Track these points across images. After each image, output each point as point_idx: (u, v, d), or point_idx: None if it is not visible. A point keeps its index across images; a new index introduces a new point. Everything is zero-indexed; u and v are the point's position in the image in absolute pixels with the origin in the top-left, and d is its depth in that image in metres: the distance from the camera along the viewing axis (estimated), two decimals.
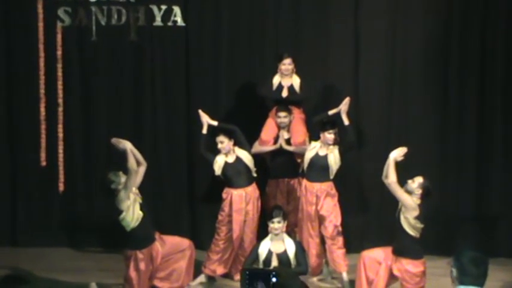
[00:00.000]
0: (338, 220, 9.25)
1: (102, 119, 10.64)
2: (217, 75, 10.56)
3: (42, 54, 10.48)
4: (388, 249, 8.18)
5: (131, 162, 8.17)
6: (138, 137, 10.41)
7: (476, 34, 10.22)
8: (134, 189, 8.31)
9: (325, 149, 9.21)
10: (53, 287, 9.06)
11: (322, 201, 9.21)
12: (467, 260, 4.57)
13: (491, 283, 4.73)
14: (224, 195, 9.27)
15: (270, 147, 9.82)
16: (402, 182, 7.99)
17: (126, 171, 8.19)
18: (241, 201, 9.19)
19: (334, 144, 9.20)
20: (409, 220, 7.93)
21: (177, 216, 10.61)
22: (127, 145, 8.32)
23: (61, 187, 10.62)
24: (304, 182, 9.35)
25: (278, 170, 9.86)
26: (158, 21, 10.45)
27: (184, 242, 8.72)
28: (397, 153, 8.00)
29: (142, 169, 8.48)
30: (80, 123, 10.67)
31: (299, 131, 9.80)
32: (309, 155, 9.27)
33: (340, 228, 9.27)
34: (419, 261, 8.07)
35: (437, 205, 9.77)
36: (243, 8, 10.51)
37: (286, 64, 9.76)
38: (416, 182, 7.97)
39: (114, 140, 8.42)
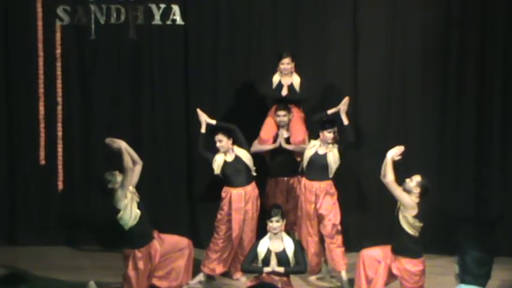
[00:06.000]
0: (337, 219, 9.25)
1: (101, 117, 10.63)
2: (216, 74, 10.56)
3: (41, 53, 10.49)
4: (387, 248, 8.18)
5: (126, 161, 8.17)
6: (137, 136, 10.45)
7: (476, 33, 10.21)
8: (131, 188, 8.31)
9: (325, 148, 9.21)
10: (51, 286, 9.04)
11: (321, 199, 9.21)
12: (471, 259, 4.56)
13: (490, 281, 4.73)
14: (223, 194, 9.27)
15: (269, 146, 9.82)
16: (401, 181, 7.99)
17: (122, 170, 8.19)
18: (241, 200, 9.19)
19: (333, 143, 9.20)
20: (408, 219, 7.92)
21: (176, 215, 10.61)
22: (121, 144, 8.31)
23: (60, 186, 10.64)
24: (304, 180, 9.35)
25: (277, 169, 9.86)
26: (157, 20, 10.46)
27: (183, 241, 8.72)
28: (394, 152, 7.99)
29: (138, 168, 8.46)
30: (79, 121, 10.68)
31: (298, 130, 9.80)
32: (308, 154, 9.27)
33: (339, 227, 9.27)
34: (418, 260, 8.06)
35: (436, 204, 9.79)
36: (241, 6, 10.51)
37: (285, 63, 9.76)
38: (414, 181, 7.97)
39: (108, 140, 8.41)
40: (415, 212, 7.91)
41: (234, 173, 9.21)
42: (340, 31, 10.41)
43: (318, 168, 9.22)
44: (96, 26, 10.45)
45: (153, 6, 10.44)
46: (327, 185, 9.24)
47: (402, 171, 8.17)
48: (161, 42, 10.55)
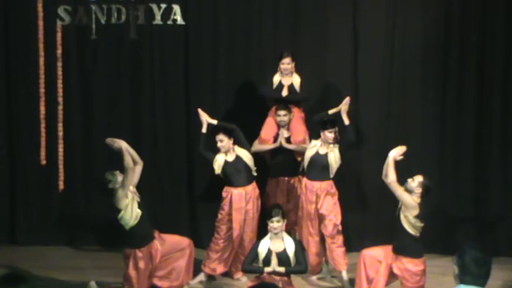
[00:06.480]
0: (338, 219, 9.25)
1: (102, 117, 10.64)
2: (216, 74, 10.56)
3: (42, 53, 10.49)
4: (388, 248, 8.18)
5: (127, 161, 8.18)
6: (138, 136, 10.44)
7: (476, 32, 10.21)
8: (132, 188, 8.32)
9: (326, 148, 9.21)
10: (52, 286, 9.04)
11: (322, 199, 9.20)
12: (470, 259, 4.54)
13: (490, 282, 4.72)
14: (224, 194, 9.27)
15: (269, 146, 9.81)
16: (402, 181, 7.99)
17: (123, 170, 8.19)
18: (241, 200, 9.19)
19: (334, 143, 9.19)
20: (409, 219, 7.93)
21: (176, 215, 10.61)
22: (122, 144, 8.32)
23: (61, 185, 10.63)
24: (304, 180, 9.35)
25: (278, 169, 9.85)
26: (158, 20, 10.46)
27: (184, 241, 8.72)
28: (396, 153, 8.01)
29: (138, 168, 8.47)
30: (80, 121, 10.68)
31: (299, 130, 9.80)
32: (309, 154, 9.27)
33: (340, 227, 9.27)
34: (419, 260, 8.07)
35: (437, 204, 9.79)
36: (241, 6, 10.50)
37: (285, 63, 9.75)
38: (416, 181, 7.98)
39: (109, 140, 8.42)
40: (416, 212, 7.92)
41: (235, 173, 9.21)
42: (340, 31, 10.41)
43: (319, 168, 9.22)
44: (97, 26, 10.45)
45: (154, 6, 10.44)
46: (327, 185, 9.24)
47: (404, 172, 8.17)
48: (162, 42, 10.55)
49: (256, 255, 8.15)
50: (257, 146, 9.77)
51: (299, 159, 9.75)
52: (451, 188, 10.38)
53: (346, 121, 9.23)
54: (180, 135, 10.64)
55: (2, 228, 10.87)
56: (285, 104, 9.76)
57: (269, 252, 8.11)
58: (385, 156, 8.02)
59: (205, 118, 9.36)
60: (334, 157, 9.18)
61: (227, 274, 9.44)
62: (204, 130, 9.32)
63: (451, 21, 10.28)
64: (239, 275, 9.35)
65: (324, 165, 9.19)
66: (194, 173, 10.62)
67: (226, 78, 10.56)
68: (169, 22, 10.46)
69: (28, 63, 10.54)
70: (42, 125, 10.57)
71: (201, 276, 9.31)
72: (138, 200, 8.38)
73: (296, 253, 8.10)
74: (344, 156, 9.24)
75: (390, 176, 7.87)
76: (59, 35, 10.46)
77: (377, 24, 10.39)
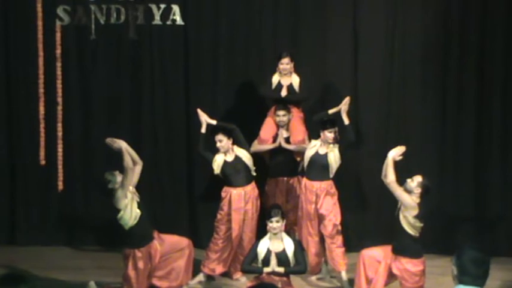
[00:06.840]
0: (337, 219, 9.24)
1: (101, 117, 10.64)
2: (215, 74, 10.56)
3: (41, 53, 10.49)
4: (388, 248, 8.18)
5: (127, 161, 8.18)
6: (137, 136, 10.44)
7: (476, 32, 10.21)
8: (131, 188, 8.31)
9: (325, 148, 9.21)
10: (51, 286, 9.04)
11: (321, 199, 9.20)
12: (468, 259, 4.53)
13: (490, 282, 4.71)
14: (223, 194, 9.26)
15: (269, 146, 9.81)
16: (402, 181, 7.99)
17: (122, 170, 8.19)
18: (241, 200, 9.18)
19: (334, 143, 9.19)
20: (409, 219, 7.93)
21: (176, 215, 10.61)
22: (122, 144, 8.32)
23: (60, 186, 10.63)
24: (304, 180, 9.34)
25: (277, 169, 9.85)
26: (157, 20, 10.46)
27: (183, 241, 8.72)
28: (396, 153, 8.00)
29: (138, 168, 8.47)
30: (79, 122, 10.68)
31: (298, 130, 9.80)
32: (309, 154, 9.27)
33: (339, 227, 9.26)
34: (418, 260, 8.07)
35: (437, 204, 9.79)
36: (241, 6, 10.51)
37: (284, 64, 9.75)
38: (415, 181, 7.98)
39: (109, 140, 8.42)
40: (415, 212, 7.92)
41: (234, 173, 9.21)
42: (340, 31, 10.41)
43: (318, 168, 9.21)
44: (96, 26, 10.45)
45: (153, 6, 10.44)
46: (327, 185, 9.23)
47: (404, 172, 8.17)
48: (161, 42, 10.54)
49: (256, 255, 8.14)
50: (256, 146, 9.77)
51: (298, 159, 9.75)
52: (451, 188, 10.38)
53: (346, 121, 9.23)
54: (180, 135, 10.64)
55: (2, 228, 10.87)
56: (284, 104, 9.76)
57: (268, 252, 8.10)
58: (385, 156, 8.02)
59: (205, 118, 9.36)
60: (334, 157, 9.18)
61: (226, 274, 9.44)
62: (203, 130, 9.33)
63: (451, 21, 10.27)
64: (238, 275, 9.34)
65: (324, 165, 9.19)
66: (194, 173, 10.62)
67: (226, 78, 10.56)
68: (169, 22, 10.46)
69: (27, 63, 10.54)
70: (42, 125, 10.57)
71: (200, 277, 9.31)
72: (138, 200, 8.38)
73: (295, 253, 8.09)
74: (344, 156, 9.24)
75: (389, 176, 7.87)
76: (58, 35, 10.46)
77: (377, 24, 10.39)
